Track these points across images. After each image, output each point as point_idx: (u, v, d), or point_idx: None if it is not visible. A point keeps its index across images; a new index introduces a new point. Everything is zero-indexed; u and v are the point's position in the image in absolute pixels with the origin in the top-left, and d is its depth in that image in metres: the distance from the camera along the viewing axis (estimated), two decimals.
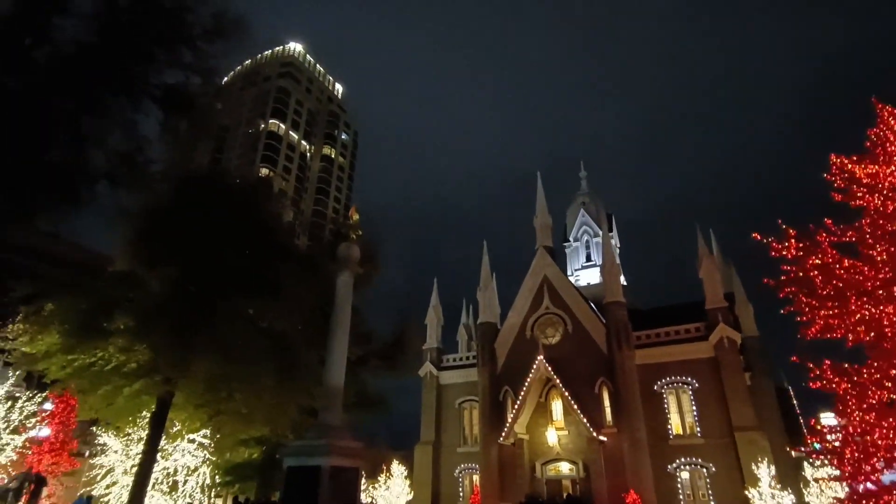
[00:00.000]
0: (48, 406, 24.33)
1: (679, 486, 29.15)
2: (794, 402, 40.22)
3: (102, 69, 13.79)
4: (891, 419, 11.25)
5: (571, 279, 42.47)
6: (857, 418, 11.71)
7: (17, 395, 24.18)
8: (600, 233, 40.99)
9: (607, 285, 33.58)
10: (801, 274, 13.04)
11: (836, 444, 12.08)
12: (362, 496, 35.52)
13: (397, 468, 37.25)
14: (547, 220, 38.12)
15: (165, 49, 15.19)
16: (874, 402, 11.94)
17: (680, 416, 30.68)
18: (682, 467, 29.42)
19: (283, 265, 19.94)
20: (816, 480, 25.87)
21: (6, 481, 20.37)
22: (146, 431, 19.97)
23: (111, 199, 16.63)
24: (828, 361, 12.04)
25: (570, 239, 49.94)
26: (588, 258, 47.74)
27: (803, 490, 26.44)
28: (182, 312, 17.83)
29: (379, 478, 35.22)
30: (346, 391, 23.35)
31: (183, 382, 18.98)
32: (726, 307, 31.36)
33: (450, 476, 35.66)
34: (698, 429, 29.82)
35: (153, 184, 17.22)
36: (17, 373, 23.34)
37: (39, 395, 24.18)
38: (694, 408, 30.23)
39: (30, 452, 24.79)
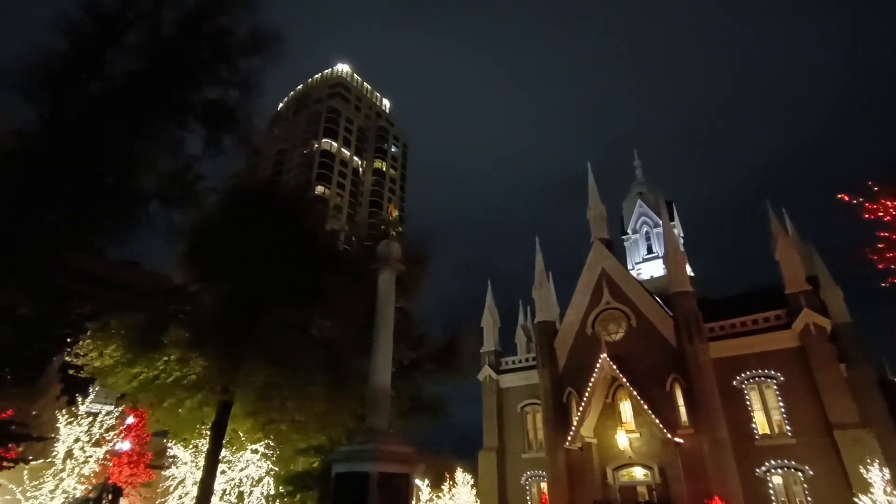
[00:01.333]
0: (129, 420, 25.64)
1: (771, 491, 26.27)
2: None
3: (150, 95, 14.23)
4: None
5: (633, 273, 40.11)
6: None
7: (95, 410, 25.52)
8: (660, 222, 38.42)
9: (672, 275, 31.27)
10: None
11: None
12: None
13: (461, 476, 36.41)
14: (601, 211, 36.26)
15: (206, 70, 15.56)
16: None
17: (765, 413, 27.78)
18: (772, 471, 26.53)
19: (331, 273, 19.91)
20: None
21: (87, 492, 21.23)
22: (208, 442, 20.37)
23: (163, 218, 17.18)
24: None
25: (629, 231, 47.34)
26: (649, 250, 44.99)
27: None
28: (232, 324, 18.16)
29: (442, 486, 34.45)
30: (401, 396, 23.11)
31: (240, 393, 19.24)
32: (810, 290, 28.25)
33: (516, 483, 34.27)
34: (788, 427, 26.84)
35: (202, 201, 17.60)
36: (97, 389, 24.55)
37: (116, 409, 25.50)
38: (781, 404, 27.28)
39: (110, 464, 26.20)
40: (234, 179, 19.51)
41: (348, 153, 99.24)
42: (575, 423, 29.55)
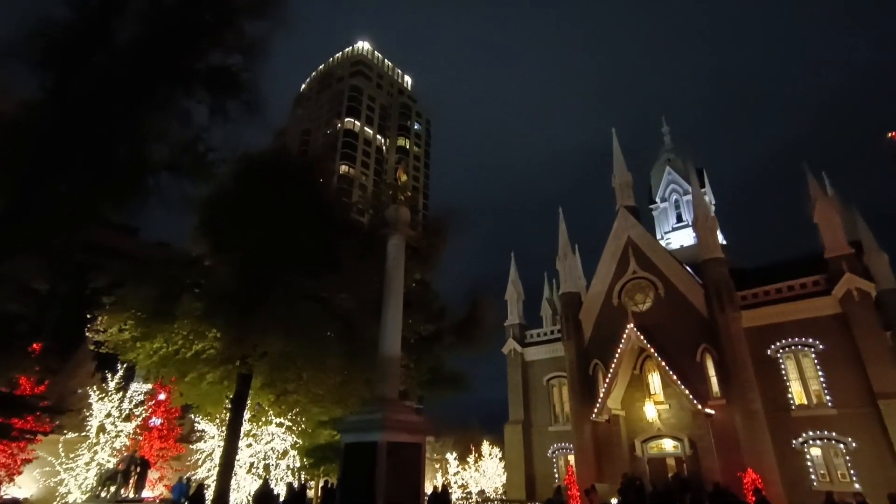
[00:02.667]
0: (161, 396, 26.41)
1: (810, 464, 25.15)
2: None
3: (155, 63, 14.00)
4: None
5: (662, 243, 38.63)
6: None
7: (124, 385, 26.17)
8: (690, 189, 36.66)
9: (702, 241, 29.86)
10: None
11: None
12: (454, 478, 35.21)
13: (488, 449, 36.45)
14: (627, 179, 34.84)
15: (211, 35, 15.25)
16: None
17: (802, 383, 26.46)
18: (810, 442, 25.37)
19: (345, 242, 19.65)
20: None
21: (119, 465, 21.91)
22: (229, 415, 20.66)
23: (176, 189, 17.15)
24: None
25: (657, 200, 45.50)
26: (679, 219, 43.17)
27: None
28: (246, 294, 18.10)
29: (468, 459, 34.57)
30: (419, 367, 22.91)
31: (258, 365, 19.34)
32: (852, 254, 26.48)
33: (543, 456, 34.02)
34: (828, 398, 25.51)
35: (214, 171, 17.49)
36: (125, 365, 25.15)
37: (144, 384, 26.15)
38: (820, 373, 25.90)
39: (140, 438, 27.05)
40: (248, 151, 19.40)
41: (371, 132, 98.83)
42: (601, 395, 28.91)
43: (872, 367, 24.24)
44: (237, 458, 23.62)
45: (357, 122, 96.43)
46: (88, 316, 18.45)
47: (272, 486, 20.48)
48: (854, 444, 24.17)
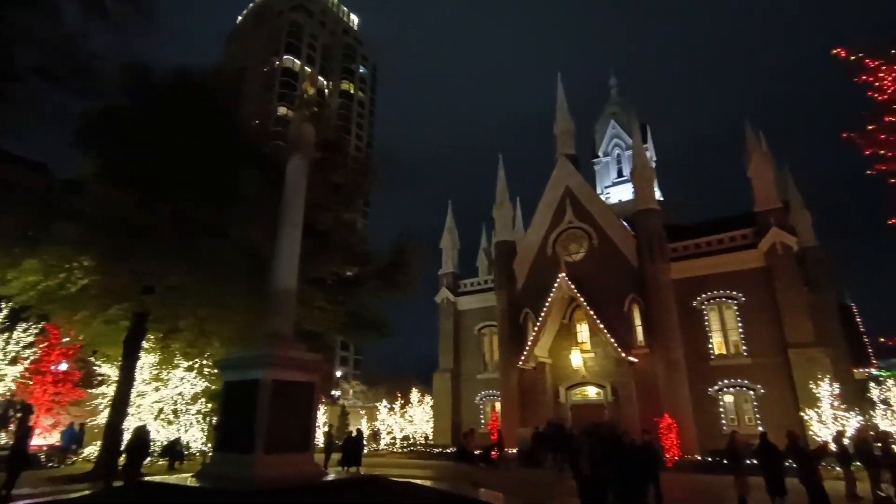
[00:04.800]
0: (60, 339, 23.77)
1: (722, 409, 26.03)
2: (859, 320, 35.64)
3: None
4: None
5: (602, 198, 38.21)
6: None
7: (9, 325, 23.36)
8: (632, 143, 36.15)
9: (638, 192, 29.47)
10: None
11: None
12: (381, 424, 34.61)
13: (416, 396, 35.95)
14: (568, 126, 33.73)
15: None
16: None
17: (723, 334, 27.07)
18: (725, 390, 26.17)
19: (254, 171, 17.45)
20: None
21: None
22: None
23: (55, 101, 14.48)
24: None
25: (600, 154, 45.01)
26: (619, 174, 42.93)
27: (869, 412, 22.98)
28: (131, 222, 15.81)
29: (393, 406, 33.99)
30: (337, 310, 21.32)
31: (148, 300, 17.18)
32: (780, 209, 26.85)
33: (471, 404, 33.84)
34: (745, 348, 26.23)
35: (99, 80, 14.77)
36: (9, 304, 22.16)
37: (35, 326, 23.32)
38: (740, 325, 26.51)
39: (31, 383, 24.28)
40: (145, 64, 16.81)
41: (312, 72, 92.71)
42: (529, 343, 28.56)
43: (788, 319, 24.95)
44: (142, 403, 21.77)
45: (297, 61, 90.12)
46: None
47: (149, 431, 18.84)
48: (763, 391, 25.10)
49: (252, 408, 8.85)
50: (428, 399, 36.66)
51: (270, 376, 9.08)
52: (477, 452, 18.01)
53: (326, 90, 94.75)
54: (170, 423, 22.69)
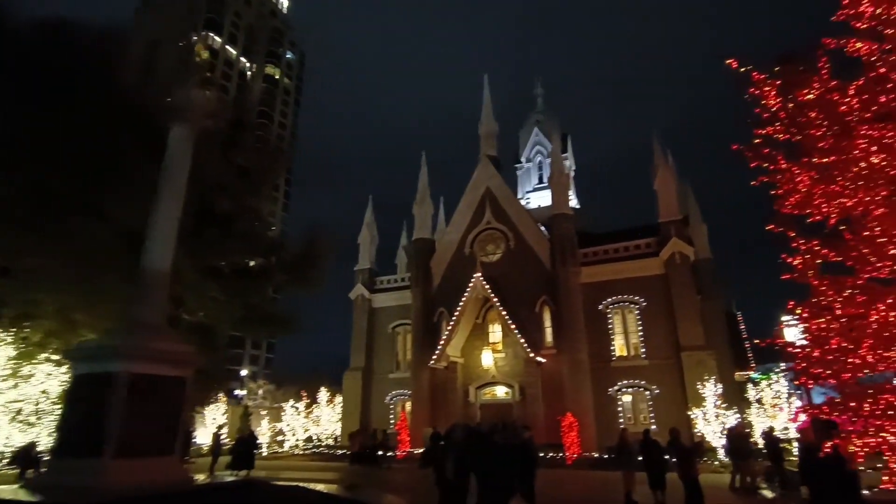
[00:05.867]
0: None
1: (620, 408, 27.30)
2: (742, 327, 39.03)
3: None
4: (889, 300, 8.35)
5: (522, 202, 39.03)
6: (840, 305, 8.97)
7: None
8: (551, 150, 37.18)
9: (554, 197, 30.31)
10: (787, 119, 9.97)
11: (803, 348, 9.57)
12: (286, 425, 33.00)
13: (325, 396, 34.74)
14: (493, 128, 34.11)
15: None
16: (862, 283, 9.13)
17: (625, 336, 28.44)
18: (623, 390, 27.48)
19: (136, 143, 15.64)
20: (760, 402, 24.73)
21: None
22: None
23: None
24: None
25: (523, 160, 46.15)
26: (540, 180, 44.19)
27: (746, 411, 25.03)
28: None
29: (297, 406, 32.61)
30: (232, 302, 19.83)
31: (9, 287, 14.93)
32: (680, 220, 28.68)
33: (381, 403, 33.12)
34: (643, 350, 27.70)
35: None
36: None
37: None
38: (640, 328, 27.98)
39: None
40: None
41: (234, 52, 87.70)
42: (442, 342, 28.38)
43: (682, 323, 26.63)
44: None
45: (218, 39, 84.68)
46: None
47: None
48: (657, 391, 26.60)
49: (103, 405, 7.79)
50: (339, 399, 35.54)
51: (128, 369, 8.09)
52: (366, 452, 17.45)
53: (249, 72, 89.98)
54: (31, 425, 20.06)
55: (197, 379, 22.59)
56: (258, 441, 20.57)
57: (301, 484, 11.68)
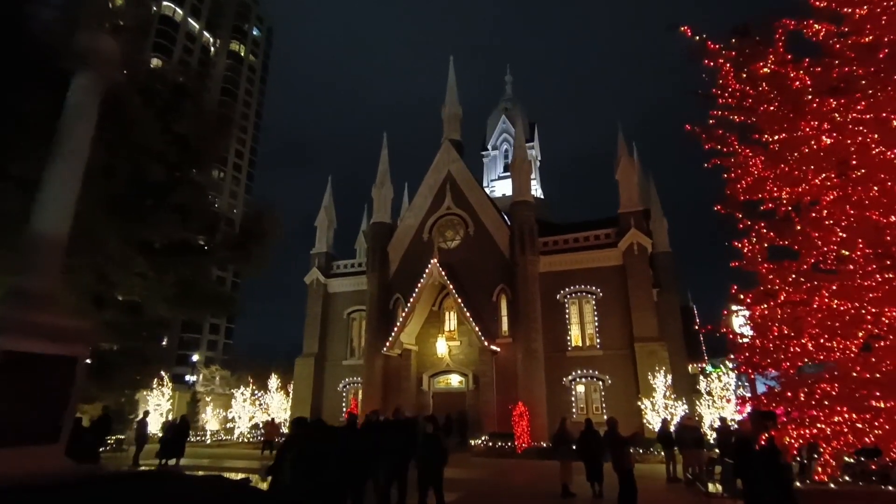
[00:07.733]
0: None
1: (573, 398, 27.18)
2: (697, 321, 39.62)
3: None
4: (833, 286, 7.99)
5: (487, 190, 38.49)
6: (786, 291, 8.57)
7: None
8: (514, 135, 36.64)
9: (515, 184, 29.78)
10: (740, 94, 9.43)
11: (748, 338, 9.19)
12: (235, 412, 31.78)
13: (275, 383, 33.59)
14: (456, 111, 33.30)
15: None
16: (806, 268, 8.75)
17: (581, 327, 28.29)
18: (578, 380, 27.35)
19: (35, 84, 14.11)
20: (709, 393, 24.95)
21: None
22: None
23: None
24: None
25: (489, 147, 45.60)
26: (506, 168, 43.65)
27: (696, 402, 25.22)
28: None
29: (244, 392, 31.39)
30: (164, 279, 18.52)
31: None
32: (640, 212, 28.57)
33: (333, 391, 32.24)
34: (598, 340, 27.61)
35: None
36: None
37: None
38: (596, 318, 27.86)
39: None
40: None
41: (197, 26, 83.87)
42: (396, 329, 27.65)
43: (637, 314, 26.61)
44: None
45: (179, 11, 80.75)
46: None
47: None
48: (610, 381, 26.57)
49: None
50: (291, 386, 34.47)
51: (4, 346, 6.96)
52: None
53: (213, 47, 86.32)
54: None
55: (127, 361, 21.06)
56: (189, 429, 19.38)
57: (224, 474, 10.87)
